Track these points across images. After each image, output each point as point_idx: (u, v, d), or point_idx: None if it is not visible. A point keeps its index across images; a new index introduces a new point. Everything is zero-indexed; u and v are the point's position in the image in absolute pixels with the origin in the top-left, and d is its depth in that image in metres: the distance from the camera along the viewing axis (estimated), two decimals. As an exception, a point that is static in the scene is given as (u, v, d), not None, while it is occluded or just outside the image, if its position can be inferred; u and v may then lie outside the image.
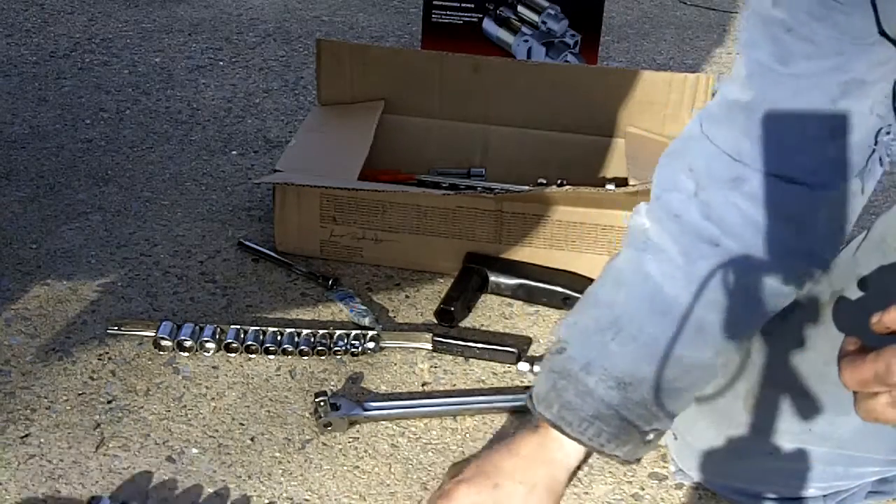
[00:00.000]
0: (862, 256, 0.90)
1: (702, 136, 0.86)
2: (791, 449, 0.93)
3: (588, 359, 0.86)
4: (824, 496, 0.97)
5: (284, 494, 1.00)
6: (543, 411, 0.88)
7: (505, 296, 1.32)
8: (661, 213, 0.86)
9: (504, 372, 1.19)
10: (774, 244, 0.84)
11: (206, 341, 1.18)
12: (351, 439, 1.07)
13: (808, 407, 0.91)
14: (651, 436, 0.88)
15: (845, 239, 0.89)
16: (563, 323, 0.91)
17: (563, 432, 0.87)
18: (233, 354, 1.18)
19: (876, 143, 0.83)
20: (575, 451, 0.89)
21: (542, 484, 0.88)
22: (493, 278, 1.31)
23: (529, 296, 1.31)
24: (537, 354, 1.22)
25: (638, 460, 0.91)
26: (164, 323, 1.20)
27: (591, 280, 1.29)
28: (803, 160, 0.83)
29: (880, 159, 0.84)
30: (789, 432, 0.93)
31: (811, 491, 0.96)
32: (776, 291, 0.86)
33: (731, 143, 0.84)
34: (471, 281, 1.30)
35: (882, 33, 0.77)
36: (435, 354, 1.21)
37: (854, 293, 0.89)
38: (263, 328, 1.20)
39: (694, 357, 0.86)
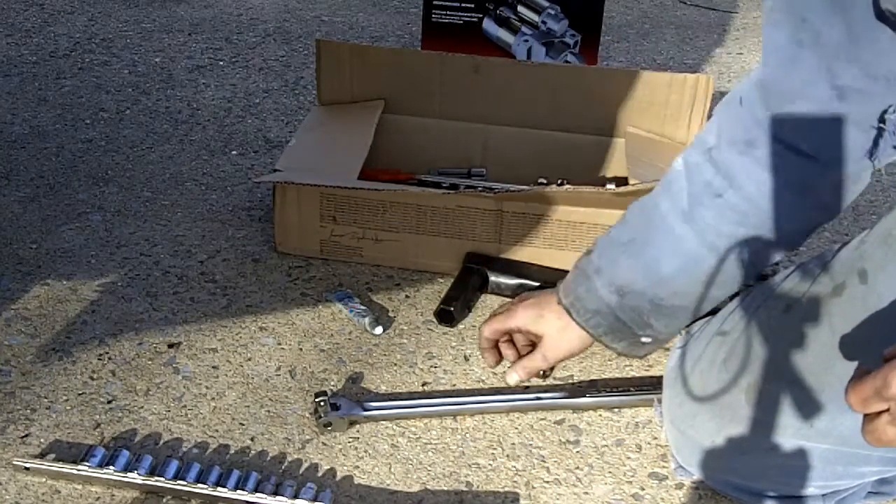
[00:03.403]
0: (866, 251, 0.91)
1: (735, 97, 0.99)
2: (791, 445, 0.93)
3: (601, 264, 1.03)
4: (823, 495, 0.98)
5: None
6: (562, 298, 1.06)
7: (505, 296, 1.32)
8: (687, 158, 1.01)
9: (504, 372, 1.19)
10: (776, 205, 0.96)
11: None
12: (351, 439, 1.07)
13: (809, 402, 0.91)
14: (646, 339, 1.05)
15: (841, 211, 0.99)
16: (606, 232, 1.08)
17: (571, 317, 1.05)
18: (232, 356, 1.19)
19: (883, 122, 0.89)
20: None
21: (574, 329, 1.06)
22: (493, 278, 1.31)
23: (529, 296, 1.31)
24: (537, 354, 1.22)
25: (641, 357, 1.10)
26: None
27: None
28: (809, 137, 0.92)
29: (892, 135, 0.90)
30: (790, 428, 0.93)
31: (810, 490, 0.97)
32: (768, 247, 0.99)
33: (751, 109, 0.95)
34: (471, 281, 1.30)
35: (880, 16, 0.81)
36: (435, 354, 1.21)
37: (855, 287, 0.90)
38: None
39: (682, 285, 1.01)
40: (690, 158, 1.00)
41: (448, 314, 1.25)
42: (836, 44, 0.86)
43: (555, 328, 1.07)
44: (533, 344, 1.11)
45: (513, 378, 1.10)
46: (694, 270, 1.00)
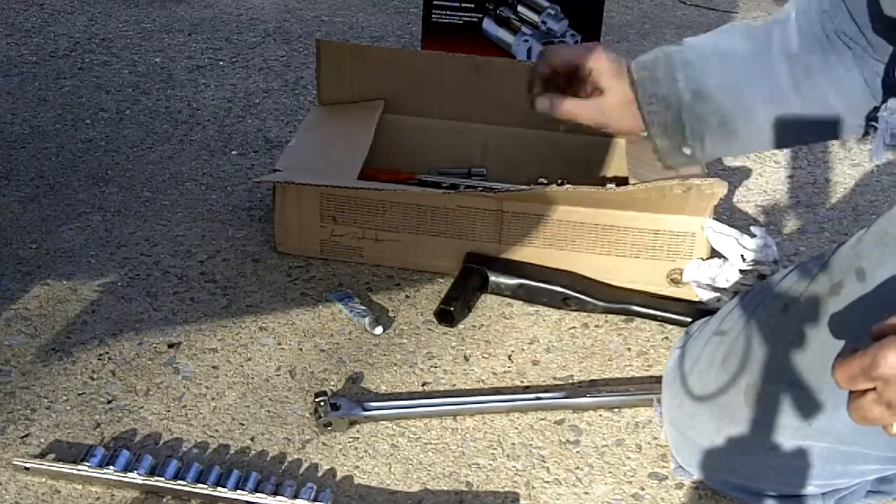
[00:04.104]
0: (863, 249, 0.91)
1: None
2: (791, 445, 0.93)
3: (691, 59, 1.02)
4: (823, 494, 0.98)
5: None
6: (634, 68, 1.04)
7: (505, 296, 1.32)
8: (800, 5, 1.03)
9: (504, 372, 1.19)
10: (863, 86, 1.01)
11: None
12: (351, 439, 1.07)
13: (808, 402, 0.91)
14: (687, 150, 1.05)
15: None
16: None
17: (634, 90, 1.03)
18: (233, 356, 1.19)
19: (875, 121, 0.96)
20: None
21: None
22: (493, 278, 1.31)
23: (529, 296, 1.31)
24: (537, 354, 1.22)
25: (668, 166, 1.08)
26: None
27: (592, 280, 1.31)
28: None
29: (885, 133, 0.96)
30: (789, 427, 0.93)
31: (810, 489, 0.97)
32: (846, 111, 1.02)
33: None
34: (471, 281, 1.30)
35: (881, 32, 0.83)
36: (435, 354, 1.21)
37: (853, 285, 0.91)
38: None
39: (757, 116, 1.02)
40: (803, 6, 1.02)
41: (448, 314, 1.25)
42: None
43: (624, 96, 1.04)
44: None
45: (550, 105, 1.06)
46: (776, 108, 1.02)
